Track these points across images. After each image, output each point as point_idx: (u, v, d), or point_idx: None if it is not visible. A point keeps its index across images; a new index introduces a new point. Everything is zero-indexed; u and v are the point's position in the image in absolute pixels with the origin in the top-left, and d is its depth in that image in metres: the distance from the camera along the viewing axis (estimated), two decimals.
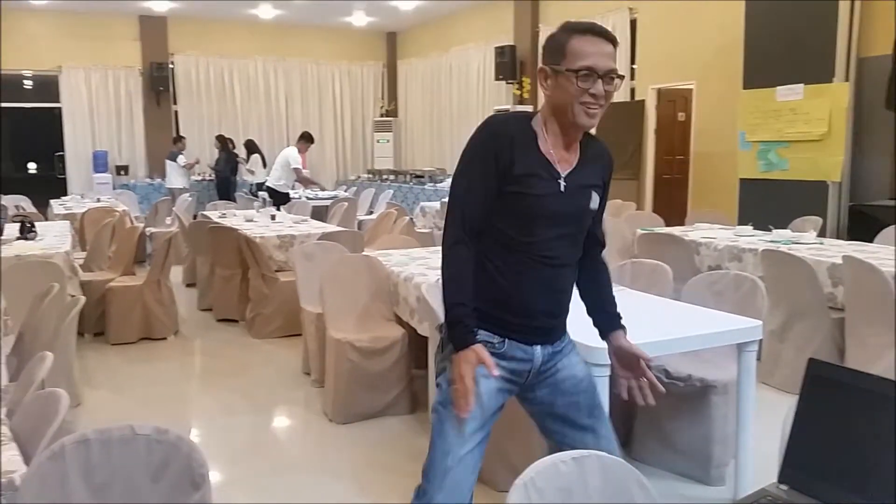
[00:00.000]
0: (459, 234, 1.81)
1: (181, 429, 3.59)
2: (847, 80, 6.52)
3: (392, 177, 12.45)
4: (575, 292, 2.01)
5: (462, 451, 1.82)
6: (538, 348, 1.91)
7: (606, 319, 2.02)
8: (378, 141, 14.60)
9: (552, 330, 1.94)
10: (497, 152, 1.79)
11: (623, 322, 2.00)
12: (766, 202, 6.81)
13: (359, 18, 13.38)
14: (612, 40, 1.81)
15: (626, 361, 1.96)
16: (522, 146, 1.82)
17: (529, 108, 11.10)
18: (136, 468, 1.51)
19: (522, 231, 1.84)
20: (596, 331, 2.03)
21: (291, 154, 8.95)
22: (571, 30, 1.81)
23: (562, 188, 1.84)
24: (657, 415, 3.08)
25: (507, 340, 1.87)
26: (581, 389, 1.96)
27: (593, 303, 2.05)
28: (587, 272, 2.03)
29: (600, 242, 2.06)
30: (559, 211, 1.85)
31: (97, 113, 12.88)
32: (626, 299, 3.00)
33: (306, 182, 9.46)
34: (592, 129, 1.90)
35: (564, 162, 1.87)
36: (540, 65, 1.84)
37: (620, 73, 1.81)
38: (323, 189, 9.87)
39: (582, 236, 1.96)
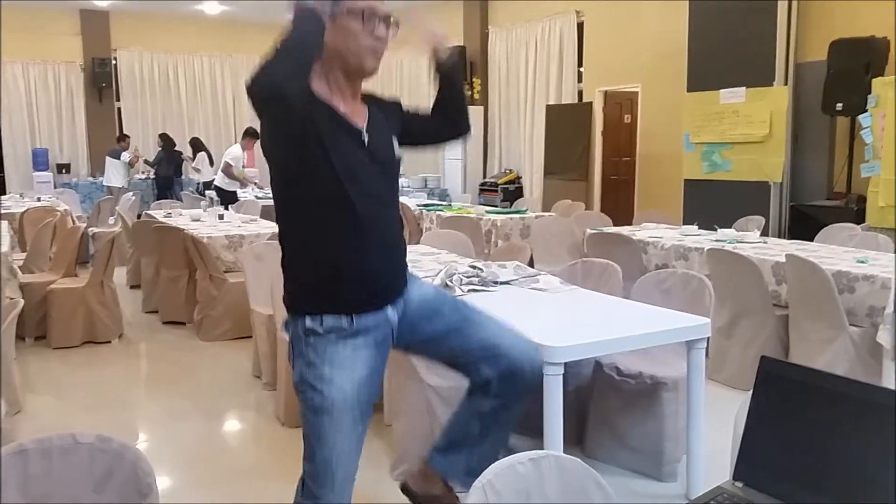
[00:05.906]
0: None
1: (127, 435, 3.47)
2: (786, 83, 6.73)
3: None
4: None
5: (347, 447, 1.80)
6: (388, 308, 1.84)
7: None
8: None
9: (395, 286, 1.88)
10: None
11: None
12: (710, 202, 6.98)
13: None
14: None
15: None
16: (316, 105, 1.70)
17: (480, 109, 11.14)
18: (78, 479, 1.44)
19: (337, 196, 1.72)
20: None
21: (232, 151, 8.91)
22: None
23: (365, 143, 1.77)
24: (609, 412, 3.12)
25: (355, 317, 1.77)
26: (437, 305, 1.95)
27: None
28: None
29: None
30: (368, 167, 1.76)
31: (36, 109, 12.45)
32: (577, 298, 3.04)
33: (234, 178, 9.22)
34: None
35: (357, 115, 1.79)
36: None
37: (394, 19, 1.77)
38: (258, 187, 9.62)
39: (397, 184, 1.91)
